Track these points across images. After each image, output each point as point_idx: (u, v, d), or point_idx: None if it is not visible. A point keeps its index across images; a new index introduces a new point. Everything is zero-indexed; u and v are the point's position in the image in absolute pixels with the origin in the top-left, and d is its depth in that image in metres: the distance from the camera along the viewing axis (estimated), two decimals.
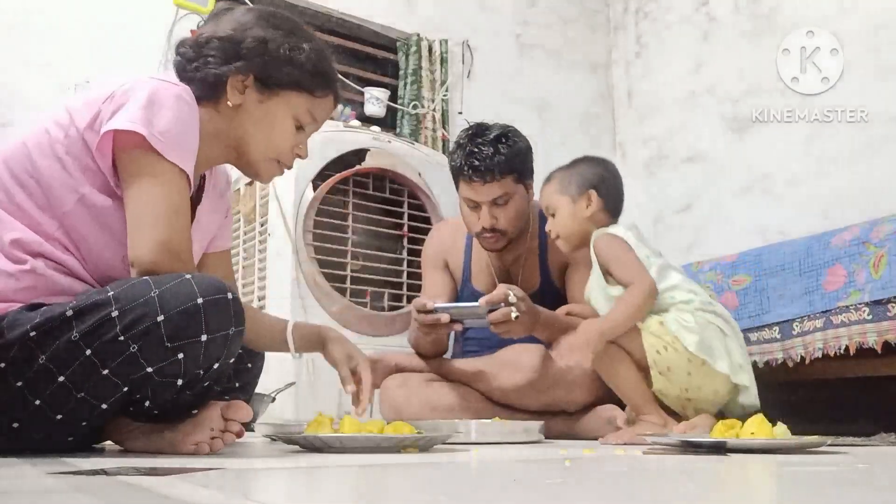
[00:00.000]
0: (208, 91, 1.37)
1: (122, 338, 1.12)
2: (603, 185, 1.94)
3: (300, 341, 1.57)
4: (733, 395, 1.78)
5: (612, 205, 1.95)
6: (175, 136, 1.24)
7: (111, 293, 1.14)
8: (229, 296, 1.19)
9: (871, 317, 1.87)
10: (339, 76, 1.53)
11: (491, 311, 1.88)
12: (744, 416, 1.50)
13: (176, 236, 1.23)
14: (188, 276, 1.17)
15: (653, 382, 1.76)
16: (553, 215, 1.95)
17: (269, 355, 1.66)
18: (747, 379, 1.75)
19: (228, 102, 1.37)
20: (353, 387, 1.56)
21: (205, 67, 1.36)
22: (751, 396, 1.77)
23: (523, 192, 2.15)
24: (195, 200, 1.44)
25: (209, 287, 1.17)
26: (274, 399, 2.16)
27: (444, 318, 1.92)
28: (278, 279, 2.56)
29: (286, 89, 1.40)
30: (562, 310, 2.10)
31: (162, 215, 1.22)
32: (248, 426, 1.53)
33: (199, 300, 1.14)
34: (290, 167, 1.48)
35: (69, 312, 1.13)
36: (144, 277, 1.17)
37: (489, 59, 3.83)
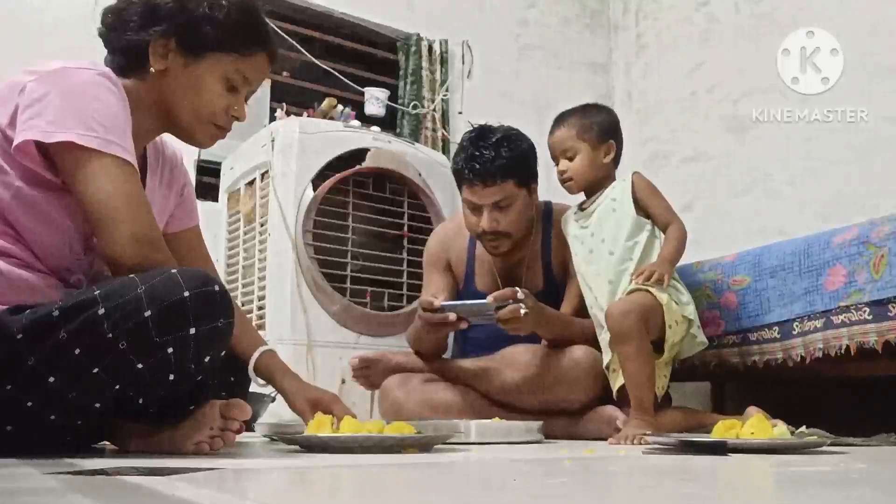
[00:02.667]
0: (132, 59, 1.34)
1: (110, 335, 1.11)
2: (619, 135, 2.12)
3: (262, 374, 1.50)
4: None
5: (620, 156, 2.13)
6: (105, 128, 1.21)
7: (97, 292, 1.14)
8: (216, 288, 1.18)
9: (871, 317, 1.86)
10: (275, 29, 1.43)
11: (498, 308, 1.88)
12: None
13: (144, 225, 1.22)
14: (174, 271, 1.16)
15: (664, 352, 1.93)
16: (570, 159, 2.07)
17: None
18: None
19: (152, 69, 1.34)
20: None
21: (125, 35, 1.33)
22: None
23: (526, 195, 2.15)
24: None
25: (195, 280, 1.16)
26: (274, 399, 2.15)
27: (452, 317, 1.92)
28: (278, 279, 2.56)
29: (210, 50, 1.35)
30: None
31: (123, 209, 1.20)
32: (248, 425, 1.52)
33: (186, 293, 1.13)
34: (228, 129, 1.43)
35: (55, 313, 1.12)
36: (130, 275, 1.16)
37: (489, 59, 3.83)
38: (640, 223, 2.01)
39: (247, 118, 1.47)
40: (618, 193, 2.04)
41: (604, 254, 2.02)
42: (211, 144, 1.46)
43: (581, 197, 2.16)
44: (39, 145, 1.20)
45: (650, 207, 2.01)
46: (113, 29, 1.35)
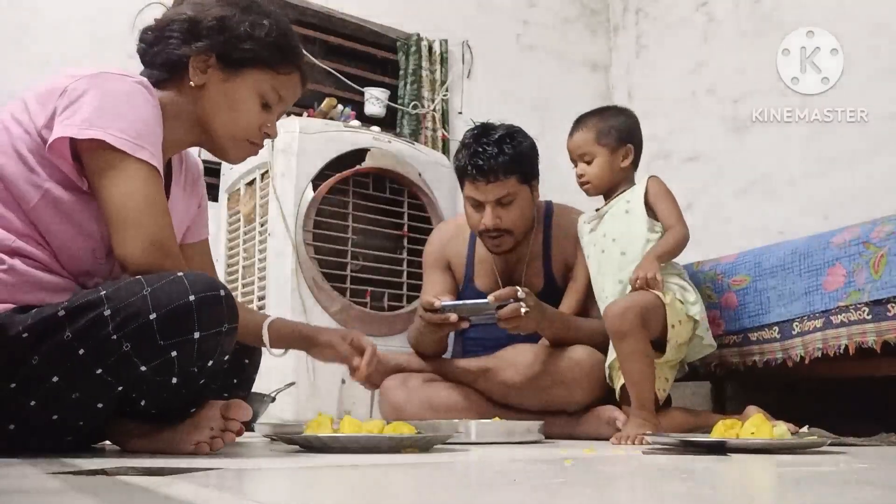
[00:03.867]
0: (170, 73, 1.37)
1: (114, 337, 1.12)
2: (637, 138, 2.12)
3: (278, 339, 1.54)
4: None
5: (639, 158, 2.13)
6: (137, 132, 1.22)
7: (103, 292, 1.14)
8: (222, 293, 1.18)
9: (870, 317, 1.86)
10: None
11: (499, 307, 1.89)
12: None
13: (161, 231, 1.23)
14: (180, 274, 1.16)
15: (666, 353, 1.91)
16: (588, 162, 2.08)
17: (267, 355, 1.65)
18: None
19: (191, 83, 1.36)
20: (359, 358, 1.56)
21: (166, 50, 1.36)
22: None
23: (528, 192, 2.15)
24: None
25: (201, 284, 1.16)
26: (274, 399, 2.16)
27: (452, 317, 1.93)
28: (278, 279, 2.56)
29: (249, 67, 1.39)
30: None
31: (143, 212, 1.21)
32: (248, 426, 1.52)
33: (191, 297, 1.14)
34: (260, 146, 1.46)
35: (61, 313, 1.12)
36: (137, 277, 1.17)
37: (489, 59, 3.83)
38: (652, 224, 2.00)
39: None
40: (631, 196, 2.05)
41: (615, 254, 2.02)
42: (241, 161, 1.50)
43: (594, 202, 2.16)
44: (72, 146, 1.21)
45: (658, 210, 2.01)
46: (153, 45, 1.38)
